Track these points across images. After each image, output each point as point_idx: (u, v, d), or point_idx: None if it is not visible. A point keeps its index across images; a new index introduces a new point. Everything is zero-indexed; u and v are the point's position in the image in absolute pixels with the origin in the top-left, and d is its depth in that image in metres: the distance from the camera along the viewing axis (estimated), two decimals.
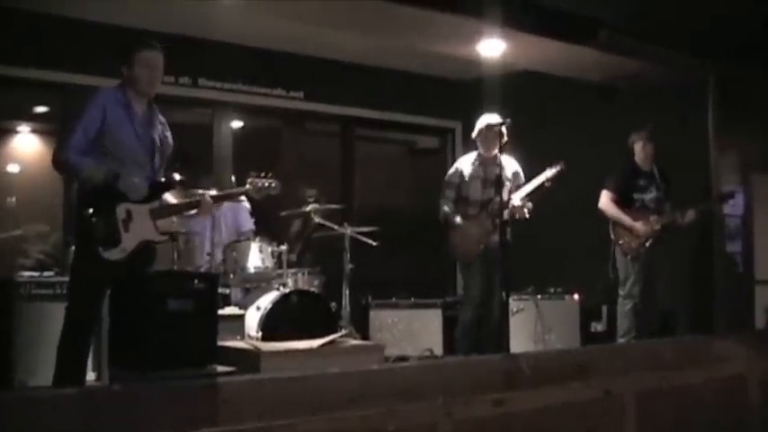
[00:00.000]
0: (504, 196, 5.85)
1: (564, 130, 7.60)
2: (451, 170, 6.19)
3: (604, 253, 6.54)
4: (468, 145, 6.25)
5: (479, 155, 6.07)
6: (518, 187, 5.92)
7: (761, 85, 7.48)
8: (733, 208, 7.93)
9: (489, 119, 5.92)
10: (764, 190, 8.10)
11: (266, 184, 4.77)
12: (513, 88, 7.67)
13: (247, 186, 4.77)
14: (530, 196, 5.83)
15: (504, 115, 5.85)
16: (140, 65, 4.25)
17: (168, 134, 4.46)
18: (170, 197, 4.47)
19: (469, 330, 5.99)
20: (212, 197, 4.62)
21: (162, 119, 4.44)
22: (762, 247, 8.04)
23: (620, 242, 6.42)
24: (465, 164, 6.12)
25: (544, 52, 7.41)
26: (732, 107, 7.71)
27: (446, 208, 6.05)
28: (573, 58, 7.42)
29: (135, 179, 4.18)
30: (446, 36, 7.14)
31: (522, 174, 6.05)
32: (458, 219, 5.97)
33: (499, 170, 5.51)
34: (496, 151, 5.79)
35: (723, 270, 7.88)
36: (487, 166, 5.99)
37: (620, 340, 6.33)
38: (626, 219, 6.40)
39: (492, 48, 7.33)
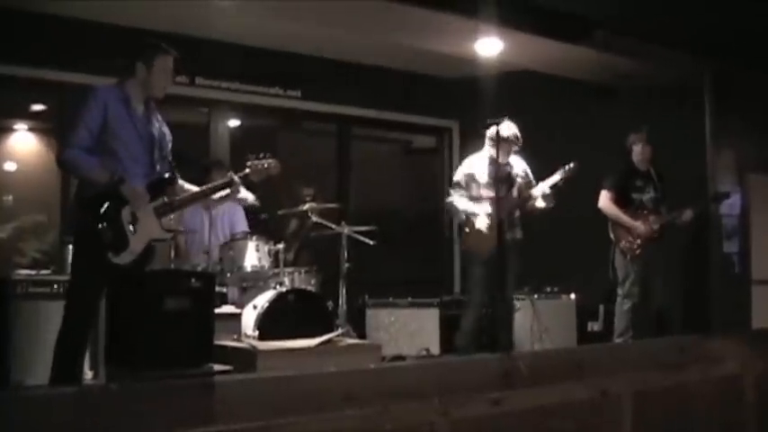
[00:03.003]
0: (515, 194, 5.89)
1: (561, 129, 7.60)
2: (460, 174, 6.08)
3: (601, 252, 6.54)
4: (465, 144, 6.21)
5: (490, 156, 5.95)
6: (528, 184, 5.95)
7: (758, 84, 7.50)
8: (730, 208, 7.94)
9: (513, 128, 5.87)
10: (761, 190, 8.11)
11: (265, 165, 4.67)
12: (509, 87, 7.67)
13: (247, 170, 4.67)
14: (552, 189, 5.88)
15: (503, 115, 5.83)
16: (160, 69, 4.26)
17: (166, 129, 4.47)
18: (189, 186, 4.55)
19: (472, 337, 5.95)
20: (211, 188, 4.61)
21: (158, 116, 4.44)
22: (758, 247, 8.06)
23: (621, 243, 6.41)
24: (475, 165, 6.04)
25: (541, 52, 7.42)
26: (729, 107, 7.71)
27: (461, 204, 5.97)
28: (570, 57, 7.42)
29: (138, 184, 4.17)
30: (443, 35, 7.14)
31: (530, 171, 6.06)
32: (479, 212, 5.90)
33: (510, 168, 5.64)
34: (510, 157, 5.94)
35: (720, 270, 7.90)
36: (498, 165, 5.96)
37: (617, 340, 6.33)
38: (626, 219, 6.40)
39: (489, 47, 7.34)
